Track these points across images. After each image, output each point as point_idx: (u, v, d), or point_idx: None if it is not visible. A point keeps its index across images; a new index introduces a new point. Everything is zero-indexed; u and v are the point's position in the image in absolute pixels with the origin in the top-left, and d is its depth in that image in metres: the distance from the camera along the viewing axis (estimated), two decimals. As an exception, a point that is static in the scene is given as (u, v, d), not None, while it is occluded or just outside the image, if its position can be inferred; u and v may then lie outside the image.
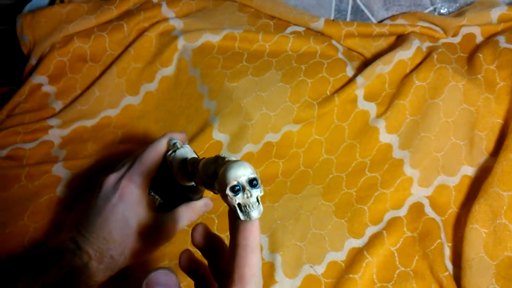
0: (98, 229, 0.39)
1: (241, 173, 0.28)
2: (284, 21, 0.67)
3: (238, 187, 0.28)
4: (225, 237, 0.49)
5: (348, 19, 0.73)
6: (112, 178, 0.42)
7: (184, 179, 0.41)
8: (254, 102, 0.57)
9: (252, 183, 0.28)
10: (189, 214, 0.43)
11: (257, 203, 0.28)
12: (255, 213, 0.28)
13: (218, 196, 0.42)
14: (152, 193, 0.44)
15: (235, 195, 0.28)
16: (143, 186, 0.41)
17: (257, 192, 0.28)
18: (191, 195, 0.45)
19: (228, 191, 0.28)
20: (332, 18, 0.73)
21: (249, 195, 0.28)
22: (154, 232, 0.41)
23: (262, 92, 0.58)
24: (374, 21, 0.72)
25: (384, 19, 0.70)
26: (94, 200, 0.42)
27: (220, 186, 0.29)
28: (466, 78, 0.55)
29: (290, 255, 0.50)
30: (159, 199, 0.44)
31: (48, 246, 0.40)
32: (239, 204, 0.28)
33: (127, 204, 0.40)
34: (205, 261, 0.32)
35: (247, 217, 0.28)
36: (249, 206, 0.28)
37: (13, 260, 0.45)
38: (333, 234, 0.52)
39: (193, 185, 0.43)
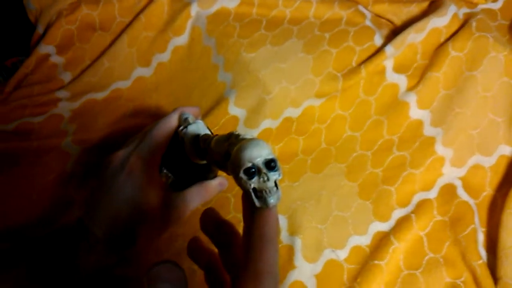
0: (105, 208, 0.37)
1: (256, 154, 0.25)
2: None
3: (253, 170, 0.25)
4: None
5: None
6: (120, 154, 0.40)
7: (196, 157, 0.38)
8: (273, 74, 0.53)
9: (270, 165, 0.25)
10: (201, 193, 0.40)
11: (275, 188, 0.25)
12: (272, 200, 0.25)
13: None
14: (164, 171, 0.41)
15: (249, 179, 0.25)
16: (152, 163, 0.39)
17: (275, 176, 0.25)
18: (205, 174, 0.43)
19: (242, 174, 0.25)
20: (358, -18, 0.68)
21: (265, 178, 0.25)
22: (164, 212, 0.38)
23: (281, 63, 0.53)
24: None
25: (416, -17, 0.64)
26: (101, 178, 0.39)
27: (233, 168, 0.26)
28: (508, 48, 0.50)
29: (310, 239, 0.47)
30: (171, 176, 0.41)
31: (56, 227, 0.38)
32: (254, 189, 0.25)
33: (135, 182, 0.38)
34: (216, 250, 0.29)
35: (264, 204, 0.25)
36: (266, 192, 0.25)
37: (21, 240, 0.44)
38: (357, 217, 0.49)
39: (206, 164, 0.40)
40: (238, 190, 0.50)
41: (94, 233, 0.36)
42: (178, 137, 0.40)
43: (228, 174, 0.29)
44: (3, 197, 0.50)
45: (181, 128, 0.39)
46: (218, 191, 0.42)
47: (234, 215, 0.49)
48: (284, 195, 0.50)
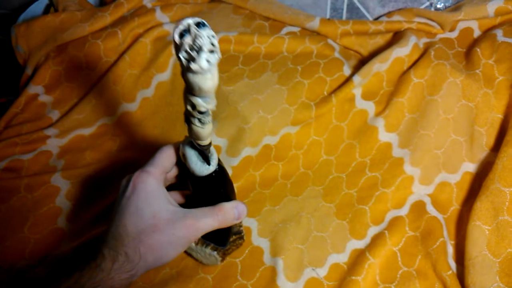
0: (114, 226, 0.37)
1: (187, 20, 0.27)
2: (279, 21, 0.66)
3: (183, 29, 0.27)
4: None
5: (344, 17, 0.72)
6: (127, 176, 0.40)
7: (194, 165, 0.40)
8: (250, 105, 0.56)
9: (199, 25, 0.27)
10: (214, 213, 0.39)
11: (212, 46, 0.27)
12: (205, 57, 0.26)
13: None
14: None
15: (181, 39, 0.26)
16: (157, 176, 0.39)
17: (206, 31, 0.27)
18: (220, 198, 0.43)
19: (176, 37, 0.27)
20: (328, 16, 0.73)
21: (198, 35, 0.26)
22: (172, 228, 0.36)
23: (258, 95, 0.57)
24: (370, 18, 0.71)
25: (380, 16, 0.69)
26: (115, 201, 0.40)
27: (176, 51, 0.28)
28: (464, 74, 0.55)
29: (291, 259, 0.49)
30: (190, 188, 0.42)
31: (48, 261, 0.39)
32: (188, 53, 0.26)
33: (140, 195, 0.37)
34: None
35: (198, 63, 0.26)
36: (199, 49, 0.26)
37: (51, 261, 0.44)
38: (335, 236, 0.51)
39: (213, 177, 0.41)
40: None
41: (103, 252, 0.35)
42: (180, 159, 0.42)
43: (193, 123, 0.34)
44: (-6, 233, 0.51)
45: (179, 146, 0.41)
46: (233, 215, 0.40)
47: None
48: (266, 218, 0.53)
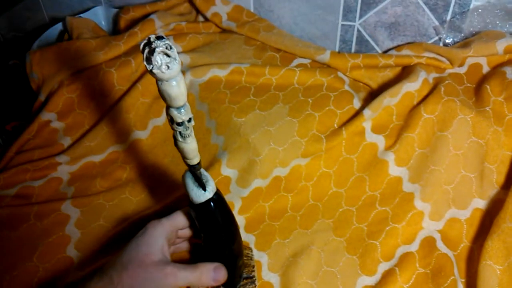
0: (115, 256, 0.41)
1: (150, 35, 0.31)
2: (290, 53, 0.67)
3: (146, 42, 0.30)
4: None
5: (353, 49, 0.73)
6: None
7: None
8: (262, 137, 0.57)
9: (158, 38, 0.30)
10: (192, 269, 0.42)
11: (166, 49, 0.30)
12: (159, 57, 0.30)
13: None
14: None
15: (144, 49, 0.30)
16: (167, 228, 0.43)
17: (162, 41, 0.30)
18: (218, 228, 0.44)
19: (141, 48, 0.31)
20: (337, 48, 0.74)
21: (155, 43, 0.30)
22: (154, 270, 0.40)
23: (269, 127, 0.58)
24: (379, 51, 0.72)
25: (389, 49, 0.71)
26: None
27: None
28: (475, 111, 0.55)
29: (302, 295, 0.49)
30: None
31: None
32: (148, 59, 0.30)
33: (145, 238, 0.42)
34: None
35: (153, 64, 0.30)
36: (153, 51, 0.30)
37: None
38: (345, 272, 0.51)
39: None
40: None
41: (94, 275, 0.40)
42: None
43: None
44: (3, 261, 0.51)
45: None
46: (210, 276, 0.43)
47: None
48: (276, 252, 0.53)
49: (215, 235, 0.44)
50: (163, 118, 0.63)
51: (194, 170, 0.41)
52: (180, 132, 0.37)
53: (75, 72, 0.64)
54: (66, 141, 0.63)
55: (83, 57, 0.64)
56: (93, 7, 0.78)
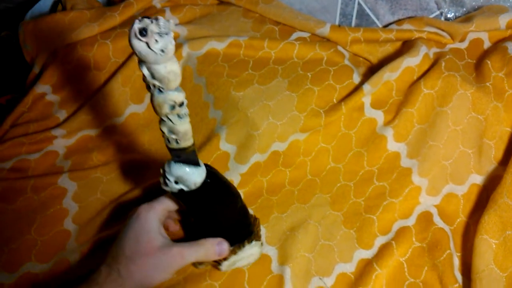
0: (114, 247, 0.42)
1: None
2: (289, 26, 0.66)
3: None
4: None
5: (353, 23, 0.72)
6: (135, 209, 0.44)
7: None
8: (260, 111, 0.56)
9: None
10: (197, 246, 0.43)
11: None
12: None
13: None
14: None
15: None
16: (159, 212, 0.44)
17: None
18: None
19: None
20: (337, 22, 0.73)
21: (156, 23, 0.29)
22: (161, 254, 0.41)
23: (268, 101, 0.57)
24: (379, 25, 0.71)
25: (390, 23, 0.69)
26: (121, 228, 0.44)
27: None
28: (475, 86, 0.55)
29: (299, 267, 0.49)
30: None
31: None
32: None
33: (141, 223, 0.42)
34: None
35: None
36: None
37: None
38: (342, 245, 0.52)
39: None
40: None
41: (100, 270, 0.40)
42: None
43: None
44: (1, 234, 0.51)
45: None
46: (214, 251, 0.44)
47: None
48: (274, 226, 0.53)
49: (218, 213, 0.44)
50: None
51: (190, 151, 0.39)
52: (178, 114, 0.35)
53: (70, 44, 0.62)
54: (62, 114, 0.62)
55: (78, 28, 0.62)
56: (87, -23, 0.76)
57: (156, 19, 0.29)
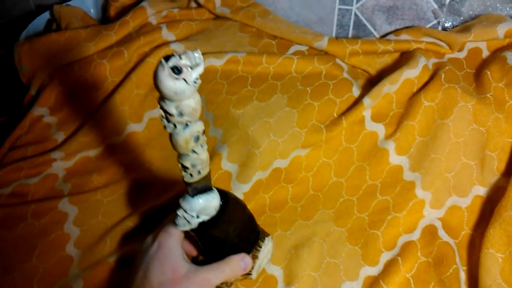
0: (138, 279, 0.40)
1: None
2: (287, 40, 0.65)
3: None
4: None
5: (350, 34, 0.72)
6: (150, 236, 0.44)
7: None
8: (261, 129, 0.56)
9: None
10: (222, 267, 0.42)
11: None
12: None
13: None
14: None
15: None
16: (178, 237, 0.42)
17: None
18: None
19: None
20: (334, 33, 0.73)
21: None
22: (187, 282, 0.40)
23: (269, 118, 0.57)
24: (377, 35, 0.71)
25: (387, 34, 0.69)
26: (136, 257, 0.43)
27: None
28: (476, 98, 0.55)
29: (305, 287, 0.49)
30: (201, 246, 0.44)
31: None
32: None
33: (163, 253, 0.41)
34: None
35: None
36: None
37: None
38: (348, 262, 0.51)
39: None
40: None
41: None
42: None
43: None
44: (1, 263, 0.50)
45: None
46: (240, 267, 0.43)
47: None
48: (278, 245, 0.53)
49: (235, 228, 0.42)
50: (158, 110, 0.61)
51: (207, 177, 0.38)
52: (201, 144, 0.34)
53: (66, 65, 0.62)
54: (60, 136, 0.61)
55: (74, 49, 0.62)
56: (81, -7, 0.75)
57: (184, 53, 0.29)
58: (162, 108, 0.31)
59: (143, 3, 0.67)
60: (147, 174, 0.60)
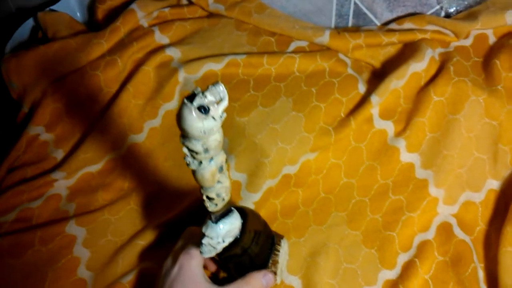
0: None
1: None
2: (287, 36, 0.63)
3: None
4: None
5: (350, 23, 0.69)
6: (169, 258, 0.43)
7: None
8: (268, 137, 0.54)
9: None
10: (244, 286, 0.42)
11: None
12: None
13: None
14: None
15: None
16: (199, 260, 0.42)
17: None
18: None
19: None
20: (333, 23, 0.70)
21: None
22: None
23: (275, 125, 0.55)
24: (378, 23, 0.68)
25: (389, 22, 0.67)
26: (156, 279, 0.43)
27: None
28: (487, 91, 0.53)
29: (325, 297, 0.49)
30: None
31: None
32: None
33: (185, 276, 0.41)
34: None
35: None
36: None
37: None
38: (365, 267, 0.51)
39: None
40: None
41: None
42: None
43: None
44: (15, 291, 0.49)
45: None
46: (261, 285, 0.43)
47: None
48: (293, 253, 0.52)
49: (257, 242, 0.43)
50: (159, 119, 0.60)
51: (229, 203, 0.38)
52: (224, 172, 0.33)
53: (58, 79, 0.59)
54: (59, 154, 0.59)
55: (64, 61, 0.59)
56: (64, -5, 0.71)
57: (208, 89, 0.27)
58: (186, 147, 0.29)
59: (132, 6, 0.63)
60: (153, 187, 0.58)
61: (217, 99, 0.28)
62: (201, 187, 0.34)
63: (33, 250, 0.52)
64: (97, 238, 0.53)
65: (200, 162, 0.31)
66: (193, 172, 0.32)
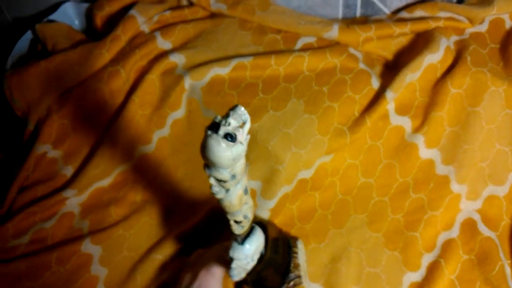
0: None
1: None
2: (293, 33, 0.60)
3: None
4: None
5: (358, 13, 0.66)
6: (188, 274, 0.42)
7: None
8: (281, 142, 0.52)
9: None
10: None
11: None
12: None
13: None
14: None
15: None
16: (219, 278, 0.41)
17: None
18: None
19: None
20: (340, 14, 0.67)
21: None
22: None
23: (287, 129, 0.53)
24: (387, 11, 0.65)
25: (399, 10, 0.64)
26: None
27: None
28: (506, 81, 0.51)
29: (349, 303, 0.48)
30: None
31: None
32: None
33: None
34: None
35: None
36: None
37: None
38: (389, 270, 0.49)
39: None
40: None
41: None
42: None
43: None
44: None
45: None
46: None
47: None
48: (313, 259, 0.51)
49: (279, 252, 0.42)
50: (167, 128, 0.58)
51: (252, 221, 0.37)
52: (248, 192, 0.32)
53: (62, 94, 0.57)
54: (68, 171, 0.58)
55: (67, 75, 0.57)
56: (61, 4, 0.69)
57: (229, 115, 0.26)
58: (213, 177, 0.28)
59: (132, 12, 0.61)
60: (166, 198, 0.57)
61: (240, 122, 0.26)
62: (226, 212, 0.33)
63: (51, 272, 0.51)
64: (113, 255, 0.53)
65: (228, 190, 0.29)
66: (220, 200, 0.31)
